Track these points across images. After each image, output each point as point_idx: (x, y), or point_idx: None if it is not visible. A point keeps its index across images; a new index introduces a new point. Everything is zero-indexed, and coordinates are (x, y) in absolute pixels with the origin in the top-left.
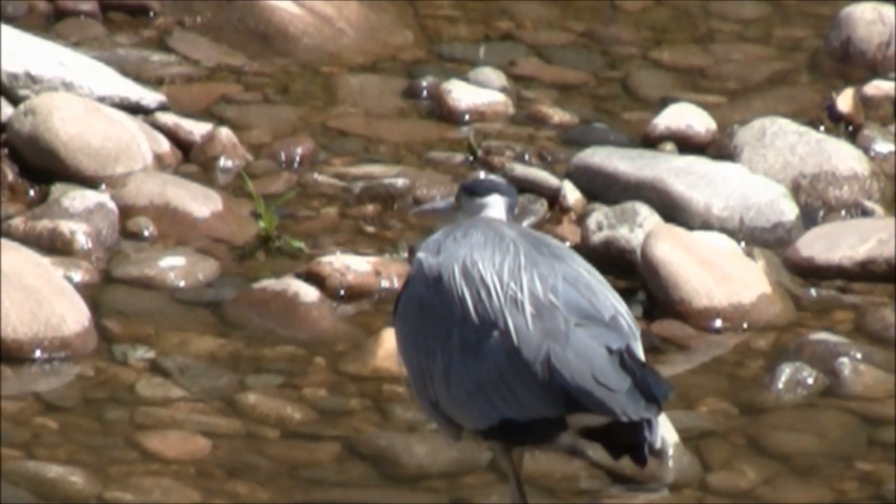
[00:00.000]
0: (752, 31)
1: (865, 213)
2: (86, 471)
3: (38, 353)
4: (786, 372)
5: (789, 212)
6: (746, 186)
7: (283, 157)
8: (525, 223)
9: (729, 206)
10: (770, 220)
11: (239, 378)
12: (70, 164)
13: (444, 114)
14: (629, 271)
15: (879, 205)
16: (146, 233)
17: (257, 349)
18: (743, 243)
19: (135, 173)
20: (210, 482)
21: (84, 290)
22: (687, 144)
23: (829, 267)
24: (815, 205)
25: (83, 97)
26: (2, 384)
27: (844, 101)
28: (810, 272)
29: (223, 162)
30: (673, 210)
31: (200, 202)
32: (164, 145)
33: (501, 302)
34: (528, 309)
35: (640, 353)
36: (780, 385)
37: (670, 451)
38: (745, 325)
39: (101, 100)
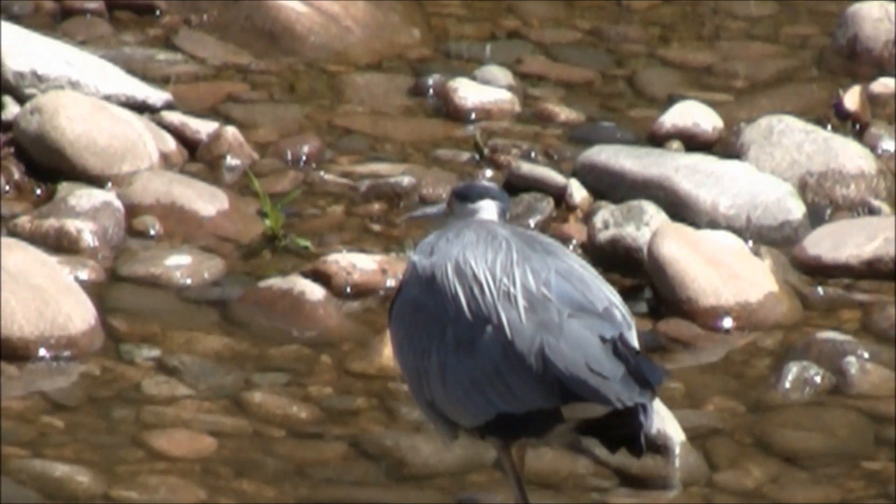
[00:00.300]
0: (759, 28)
1: (872, 211)
2: (92, 469)
3: (44, 352)
4: (793, 370)
5: (796, 210)
6: (753, 185)
7: (289, 155)
8: (531, 221)
9: (736, 204)
10: (777, 219)
11: (245, 377)
12: (76, 162)
13: (451, 112)
14: (636, 270)
15: (886, 203)
16: (152, 231)
17: (263, 348)
18: (750, 242)
19: (141, 172)
20: (216, 481)
21: (90, 288)
22: (693, 142)
23: (836, 265)
24: (822, 203)
25: (89, 96)
26: (8, 383)
27: (851, 98)
28: (817, 271)
29: (229, 160)
30: (679, 208)
31: (207, 201)
32: (171, 144)
33: (494, 297)
34: (522, 302)
35: (635, 342)
36: (787, 384)
37: (677, 450)
38: (751, 324)
39: (108, 98)
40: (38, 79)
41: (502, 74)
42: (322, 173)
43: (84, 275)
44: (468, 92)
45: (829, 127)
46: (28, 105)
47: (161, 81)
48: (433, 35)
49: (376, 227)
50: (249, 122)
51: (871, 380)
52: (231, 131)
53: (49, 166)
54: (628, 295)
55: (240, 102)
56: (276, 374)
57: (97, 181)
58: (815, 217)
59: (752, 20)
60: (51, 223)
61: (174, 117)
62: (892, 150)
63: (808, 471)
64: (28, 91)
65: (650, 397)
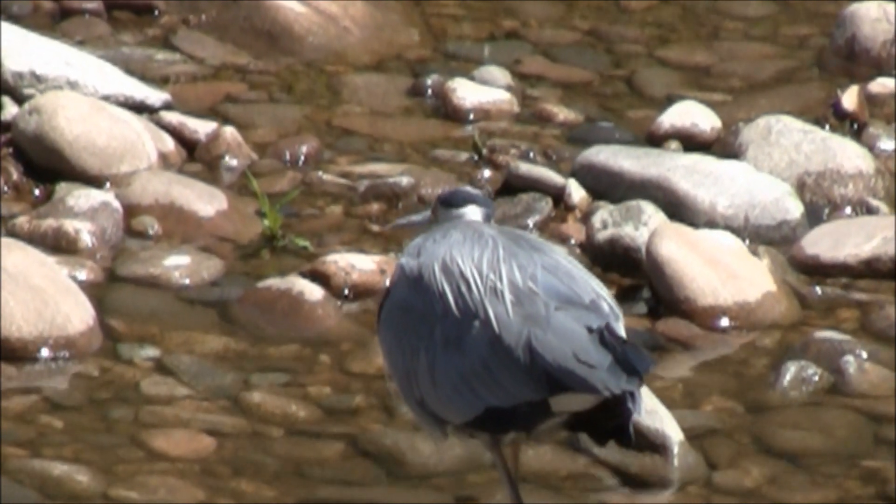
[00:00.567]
0: (758, 29)
1: (870, 210)
2: (91, 469)
3: (43, 352)
4: (791, 370)
5: (794, 210)
6: (752, 184)
7: (287, 155)
8: (530, 221)
9: (734, 204)
10: (775, 219)
11: (244, 377)
12: (75, 162)
13: (450, 112)
14: (634, 270)
15: (884, 202)
16: (151, 232)
17: (262, 348)
18: (748, 241)
19: (140, 172)
20: (215, 481)
21: (89, 289)
22: (692, 143)
23: (834, 265)
24: (821, 203)
25: (88, 96)
26: (7, 383)
27: (849, 98)
28: (815, 270)
29: (228, 161)
30: (678, 208)
31: (205, 201)
32: (169, 144)
33: (481, 293)
34: (509, 297)
35: (622, 333)
36: (786, 383)
37: (675, 450)
38: (750, 324)
39: (106, 98)
40: (37, 79)
41: (501, 75)
42: (321, 173)
43: (83, 275)
44: (467, 92)
45: (828, 127)
46: (27, 105)
47: (160, 81)
48: (432, 35)
49: (375, 228)
50: (248, 123)
51: (869, 379)
52: (230, 131)
53: (48, 166)
54: (627, 295)
55: (238, 103)
56: (275, 374)
57: (96, 181)
58: (814, 217)
59: (751, 20)
60: (49, 223)
61: (173, 117)
62: (891, 149)
63: (807, 470)
64: (27, 91)
65: (638, 384)
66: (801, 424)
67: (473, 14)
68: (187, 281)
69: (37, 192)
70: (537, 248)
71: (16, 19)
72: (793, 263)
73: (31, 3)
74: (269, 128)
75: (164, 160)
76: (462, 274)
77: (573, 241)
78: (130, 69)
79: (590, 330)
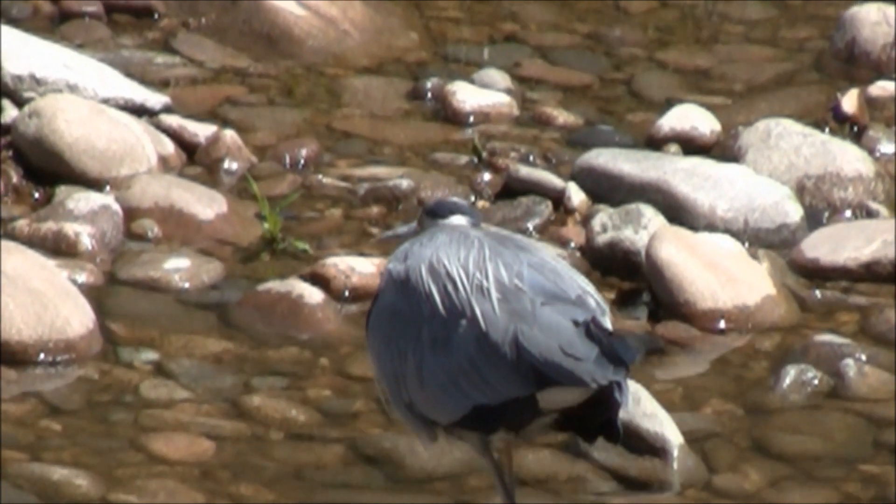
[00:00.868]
0: (757, 32)
1: (870, 214)
2: (90, 473)
3: (42, 356)
4: (791, 373)
5: (794, 213)
6: (751, 188)
7: (287, 158)
8: (530, 224)
9: (734, 207)
10: (775, 222)
11: (244, 380)
12: (75, 165)
13: (449, 115)
14: (634, 273)
15: (884, 206)
16: (151, 235)
17: (262, 351)
18: (747, 245)
19: (139, 175)
20: (215, 484)
21: (89, 292)
22: (691, 146)
23: (833, 268)
24: (820, 206)
25: (88, 99)
26: (7, 387)
27: (849, 102)
28: (815, 273)
29: (228, 164)
30: (678, 211)
31: (205, 204)
32: (169, 147)
33: (468, 291)
34: (495, 294)
35: (609, 326)
36: (785, 386)
37: (675, 453)
38: (749, 327)
39: (106, 102)
40: (37, 82)
41: (501, 78)
42: (320, 176)
43: (82, 278)
44: (466, 95)
45: (827, 130)
46: (26, 108)
47: (159, 85)
48: (431, 38)
49: (375, 231)
50: (248, 126)
51: (869, 382)
52: (229, 134)
53: (47, 169)
54: (626, 298)
55: (238, 106)
56: (274, 378)
57: (95, 184)
58: (813, 220)
59: (750, 24)
60: (49, 226)
61: (173, 120)
62: (891, 152)
63: (806, 474)
64: (26, 94)
65: (624, 375)
66: (800, 428)
67: (473, 17)
68: (187, 284)
69: (36, 195)
70: (523, 247)
71: (15, 22)
72: (792, 267)
73: (30, 6)
74: (268, 131)
75: (164, 163)
76: (448, 274)
77: (573, 245)
78: (130, 72)
79: (576, 323)
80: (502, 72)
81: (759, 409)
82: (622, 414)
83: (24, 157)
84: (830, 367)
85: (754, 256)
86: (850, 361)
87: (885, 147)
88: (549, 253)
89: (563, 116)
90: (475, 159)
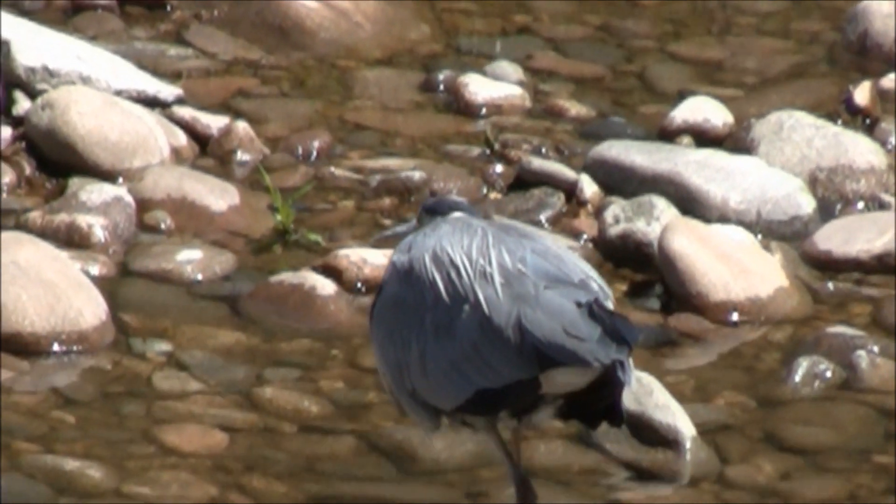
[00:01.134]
0: (770, 24)
1: (882, 206)
2: (103, 465)
3: (55, 347)
4: (803, 365)
5: (806, 205)
6: (763, 180)
7: (300, 150)
8: (542, 216)
9: (746, 199)
10: (787, 214)
11: (256, 372)
12: (87, 157)
13: (461, 107)
14: (646, 265)
15: None
16: (163, 226)
17: (274, 343)
18: (760, 237)
19: (152, 167)
20: (227, 476)
21: (101, 283)
22: (704, 138)
23: (846, 260)
24: (832, 198)
25: (101, 91)
26: (19, 378)
27: (861, 94)
28: (827, 265)
29: (240, 155)
30: (690, 203)
31: (217, 196)
32: (182, 139)
33: (471, 277)
34: (498, 279)
35: (611, 308)
36: (798, 378)
37: (688, 445)
38: (762, 319)
39: (119, 93)
40: (50, 74)
41: (513, 70)
42: (333, 168)
43: (95, 270)
44: (479, 87)
45: (840, 122)
46: (39, 100)
47: (172, 76)
48: (443, 30)
49: (387, 222)
50: (260, 118)
51: (881, 374)
52: (242, 126)
53: (60, 161)
54: (639, 290)
55: (250, 97)
56: (287, 369)
57: (108, 176)
58: (826, 212)
59: (763, 16)
60: (62, 218)
61: (185, 112)
62: None
63: (818, 465)
64: (39, 86)
65: (627, 354)
66: (813, 419)
67: (485, 9)
68: (199, 276)
69: (49, 186)
70: (526, 234)
71: (28, 14)
72: (805, 258)
73: None
74: (281, 122)
75: (177, 155)
76: (452, 261)
77: (585, 237)
78: (143, 64)
79: (578, 305)
80: (514, 64)
81: (772, 401)
82: (637, 407)
83: (36, 148)
84: (843, 359)
85: (767, 248)
86: (862, 353)
87: None
88: (552, 241)
89: (575, 108)
90: (487, 151)
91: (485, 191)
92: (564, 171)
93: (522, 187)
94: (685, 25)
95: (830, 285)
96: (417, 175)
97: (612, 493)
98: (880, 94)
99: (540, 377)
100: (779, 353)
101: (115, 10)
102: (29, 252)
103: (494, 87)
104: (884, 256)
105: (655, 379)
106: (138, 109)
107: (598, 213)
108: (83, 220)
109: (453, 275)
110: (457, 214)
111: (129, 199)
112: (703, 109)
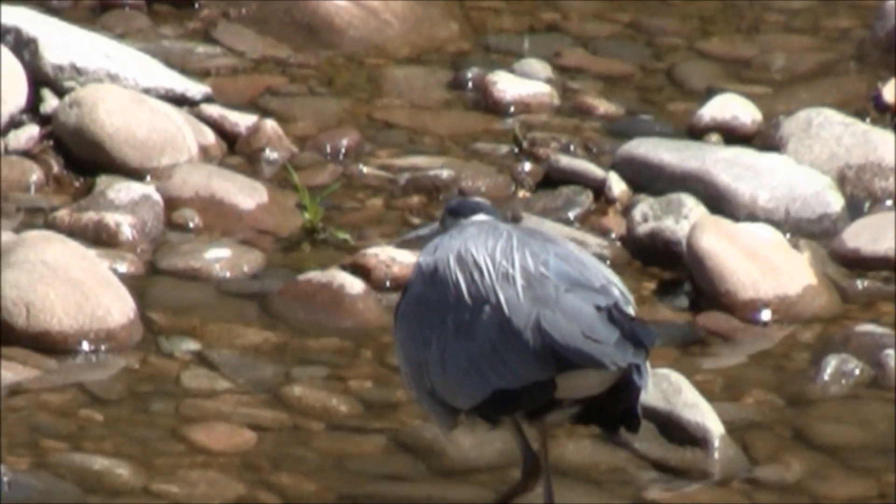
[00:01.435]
0: (799, 21)
1: None
2: (131, 463)
3: (84, 346)
4: (832, 364)
5: (835, 203)
6: (792, 177)
7: (328, 148)
8: (570, 214)
9: (774, 197)
10: (816, 212)
11: (285, 370)
12: (115, 155)
13: (490, 105)
14: (675, 263)
15: None
16: (191, 224)
17: (303, 341)
18: (788, 235)
19: (180, 165)
20: (256, 475)
21: (129, 281)
22: (732, 135)
23: (874, 258)
24: (861, 196)
25: (128, 89)
26: (48, 376)
27: (890, 91)
28: (856, 263)
29: (268, 154)
30: (718, 201)
31: (246, 194)
32: (210, 137)
33: (493, 279)
34: (520, 281)
35: (631, 313)
36: (826, 377)
37: (716, 443)
38: (790, 317)
39: (147, 91)
40: (77, 72)
41: (541, 67)
42: (361, 166)
43: (123, 268)
44: (507, 85)
45: (868, 119)
46: (67, 98)
47: (200, 74)
48: (472, 28)
49: (416, 221)
50: (288, 116)
51: None
52: (270, 124)
53: (88, 159)
54: (667, 288)
55: (279, 96)
56: (315, 368)
57: (136, 174)
58: (854, 210)
59: (791, 13)
60: (90, 216)
61: (213, 110)
62: None
63: (847, 464)
64: (67, 84)
65: (644, 357)
66: (841, 418)
67: (513, 7)
68: (228, 274)
69: (77, 184)
70: (551, 239)
71: (56, 12)
72: (833, 257)
73: None
74: (309, 121)
75: (205, 153)
76: (475, 262)
77: (613, 235)
78: (171, 62)
79: (598, 308)
80: (543, 61)
81: (800, 400)
82: (665, 405)
83: (64, 146)
84: (871, 358)
85: (795, 246)
86: (890, 352)
87: None
88: (576, 247)
89: (603, 106)
90: (516, 149)
91: (513, 189)
92: (593, 170)
93: (551, 185)
94: (714, 23)
95: (859, 283)
96: (446, 173)
97: (641, 491)
98: None
99: (556, 379)
100: (807, 351)
101: (143, 7)
102: (57, 250)
103: (523, 84)
104: None
105: (684, 377)
106: (166, 107)
107: (627, 211)
108: (111, 218)
109: (476, 275)
110: (480, 216)
111: (157, 197)
112: (732, 107)
